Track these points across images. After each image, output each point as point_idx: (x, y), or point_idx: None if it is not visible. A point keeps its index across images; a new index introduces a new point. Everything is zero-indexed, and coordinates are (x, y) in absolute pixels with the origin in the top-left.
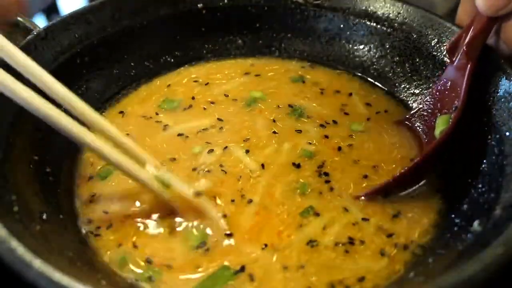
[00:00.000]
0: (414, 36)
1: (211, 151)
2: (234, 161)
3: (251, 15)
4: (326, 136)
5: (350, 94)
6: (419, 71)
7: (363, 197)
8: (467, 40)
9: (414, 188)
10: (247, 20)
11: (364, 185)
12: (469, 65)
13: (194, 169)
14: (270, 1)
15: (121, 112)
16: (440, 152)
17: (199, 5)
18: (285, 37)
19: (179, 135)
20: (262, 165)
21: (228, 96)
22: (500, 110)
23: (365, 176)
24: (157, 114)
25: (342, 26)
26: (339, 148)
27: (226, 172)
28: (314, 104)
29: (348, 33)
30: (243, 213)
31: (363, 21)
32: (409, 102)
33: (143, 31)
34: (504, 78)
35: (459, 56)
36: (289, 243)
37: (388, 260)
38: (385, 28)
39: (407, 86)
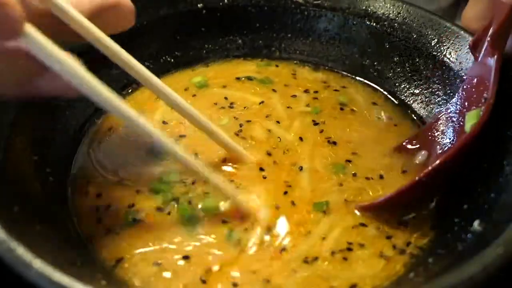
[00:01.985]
0: (414, 36)
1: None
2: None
3: (251, 15)
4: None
5: (336, 90)
6: (419, 71)
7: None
8: (490, 32)
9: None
10: (247, 20)
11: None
12: (495, 56)
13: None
14: (270, 1)
15: None
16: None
17: (199, 5)
18: (285, 37)
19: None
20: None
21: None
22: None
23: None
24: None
25: (342, 26)
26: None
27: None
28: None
29: (348, 33)
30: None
31: (363, 21)
32: (409, 102)
33: (143, 31)
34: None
35: (483, 51)
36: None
37: (385, 263)
38: (385, 28)
39: (407, 86)
